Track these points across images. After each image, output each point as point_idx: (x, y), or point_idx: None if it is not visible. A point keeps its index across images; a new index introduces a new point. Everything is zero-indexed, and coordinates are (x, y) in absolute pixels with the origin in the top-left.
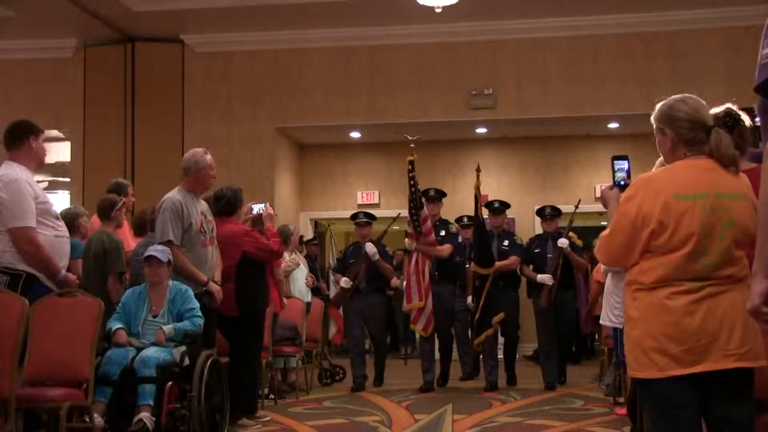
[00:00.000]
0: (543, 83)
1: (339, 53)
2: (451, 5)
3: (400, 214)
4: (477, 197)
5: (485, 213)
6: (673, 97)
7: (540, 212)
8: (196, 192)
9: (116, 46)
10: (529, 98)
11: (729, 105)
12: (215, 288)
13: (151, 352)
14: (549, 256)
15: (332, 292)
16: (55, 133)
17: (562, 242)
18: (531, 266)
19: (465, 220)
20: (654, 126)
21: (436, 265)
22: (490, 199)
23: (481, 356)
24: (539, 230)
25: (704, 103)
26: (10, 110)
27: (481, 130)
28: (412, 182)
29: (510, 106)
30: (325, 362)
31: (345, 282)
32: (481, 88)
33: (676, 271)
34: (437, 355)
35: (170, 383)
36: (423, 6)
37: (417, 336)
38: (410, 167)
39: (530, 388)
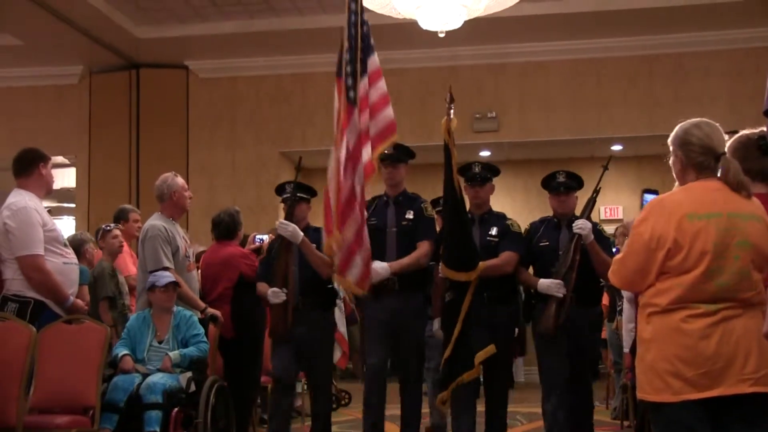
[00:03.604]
0: (546, 106)
1: None
2: (453, 30)
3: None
4: (447, 146)
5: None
6: (690, 120)
7: (548, 182)
8: (175, 217)
9: (121, 73)
10: (533, 121)
11: (764, 128)
12: (218, 311)
13: (158, 379)
14: (561, 252)
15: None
16: (60, 159)
17: (581, 226)
18: (531, 269)
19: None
20: (670, 147)
21: None
22: None
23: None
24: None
25: (719, 129)
26: (16, 137)
27: (485, 153)
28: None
29: (513, 129)
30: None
31: (273, 294)
32: (484, 111)
33: (691, 292)
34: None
35: (176, 409)
36: (425, 30)
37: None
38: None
39: (537, 412)
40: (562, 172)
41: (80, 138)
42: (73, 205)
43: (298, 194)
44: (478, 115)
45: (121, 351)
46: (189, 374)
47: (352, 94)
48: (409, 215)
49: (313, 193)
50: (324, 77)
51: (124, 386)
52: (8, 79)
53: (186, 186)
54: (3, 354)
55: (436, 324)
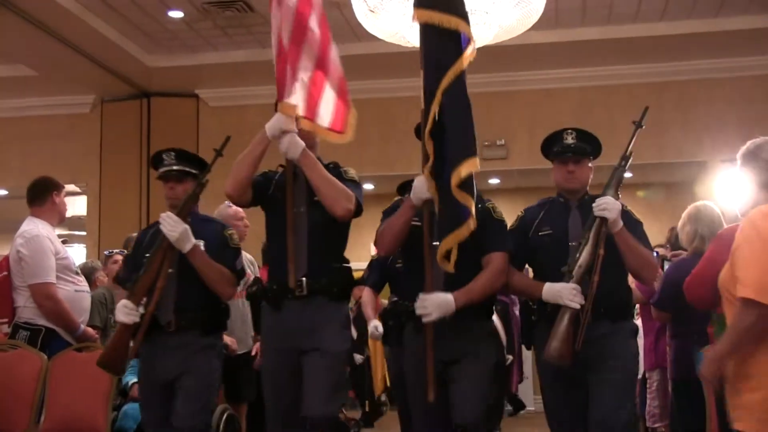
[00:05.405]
0: None
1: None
2: None
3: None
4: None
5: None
6: (764, 137)
7: (550, 145)
8: None
9: (132, 101)
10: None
11: None
12: (228, 339)
13: None
14: (572, 244)
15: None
16: (72, 187)
17: (605, 206)
18: (529, 268)
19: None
20: (738, 162)
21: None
22: None
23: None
24: None
25: None
26: (28, 166)
27: (494, 181)
28: None
29: (522, 156)
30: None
31: (124, 309)
32: (493, 139)
33: None
34: None
35: None
36: None
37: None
38: None
39: None
40: (571, 131)
41: (91, 166)
42: (83, 233)
43: (185, 168)
44: (486, 143)
45: (131, 379)
46: None
47: None
48: None
49: (207, 168)
50: None
51: (134, 414)
52: (22, 108)
53: (240, 215)
54: (14, 382)
55: (373, 325)
